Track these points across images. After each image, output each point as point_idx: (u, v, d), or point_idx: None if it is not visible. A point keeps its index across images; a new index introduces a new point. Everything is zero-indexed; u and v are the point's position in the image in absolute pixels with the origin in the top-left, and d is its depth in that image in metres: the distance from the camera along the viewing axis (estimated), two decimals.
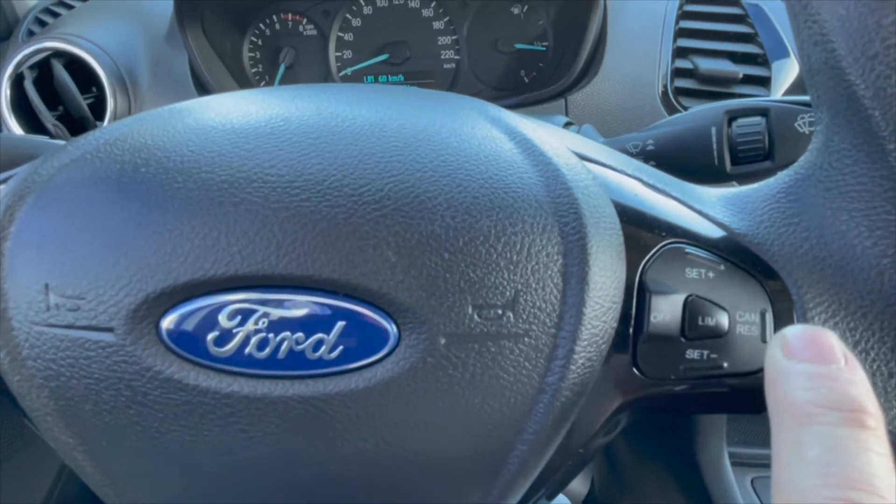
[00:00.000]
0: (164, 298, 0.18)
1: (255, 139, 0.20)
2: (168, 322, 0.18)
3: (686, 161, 0.33)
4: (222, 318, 0.18)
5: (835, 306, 0.20)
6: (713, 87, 0.51)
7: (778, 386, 0.16)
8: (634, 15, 0.54)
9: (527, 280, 0.18)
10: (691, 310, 0.20)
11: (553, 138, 0.22)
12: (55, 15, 0.62)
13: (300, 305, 0.18)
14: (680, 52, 0.52)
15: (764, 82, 0.51)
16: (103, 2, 0.61)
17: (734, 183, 0.38)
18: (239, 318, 0.18)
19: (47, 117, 0.54)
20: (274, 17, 0.60)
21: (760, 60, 0.51)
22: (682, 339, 0.20)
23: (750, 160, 0.32)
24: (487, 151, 0.20)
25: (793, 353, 0.16)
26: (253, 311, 0.18)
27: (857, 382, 0.15)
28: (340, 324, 0.18)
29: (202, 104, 0.23)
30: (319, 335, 0.18)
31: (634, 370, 0.20)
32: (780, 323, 0.20)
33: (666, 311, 0.20)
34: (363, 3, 0.59)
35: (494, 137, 0.21)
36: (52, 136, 0.55)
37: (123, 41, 0.57)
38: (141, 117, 0.22)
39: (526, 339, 0.18)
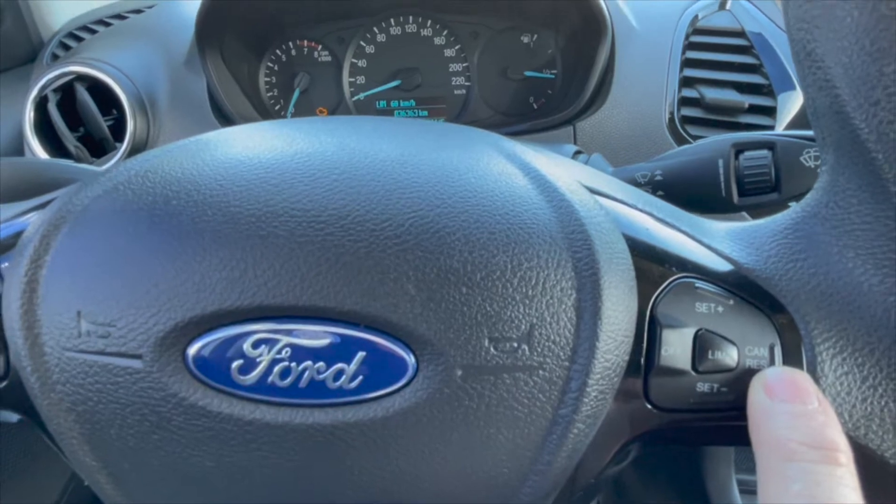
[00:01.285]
0: (191, 327, 0.19)
1: (280, 174, 0.20)
2: (194, 350, 0.19)
3: (693, 192, 0.34)
4: (247, 347, 0.19)
5: (842, 342, 0.20)
6: (719, 117, 0.52)
7: (763, 423, 0.18)
8: (642, 44, 0.55)
9: (541, 314, 0.19)
10: (701, 344, 0.20)
11: (565, 173, 0.23)
12: (78, 39, 0.64)
13: (322, 336, 0.19)
14: (686, 82, 0.53)
15: (769, 111, 0.52)
16: (125, 27, 0.63)
17: (744, 213, 0.39)
18: (263, 347, 0.19)
19: (69, 139, 0.56)
20: (290, 43, 0.62)
21: (765, 90, 0.52)
22: (693, 373, 0.20)
23: (757, 192, 0.32)
24: (503, 187, 0.21)
25: (774, 393, 0.19)
26: (276, 341, 0.19)
27: (831, 423, 0.18)
28: (361, 354, 0.18)
29: (229, 136, 0.24)
30: (340, 365, 0.19)
31: (646, 402, 0.20)
32: (788, 357, 0.20)
33: (677, 344, 0.20)
34: (377, 31, 0.61)
35: (510, 173, 0.22)
36: (73, 157, 0.57)
37: (144, 65, 0.59)
38: (170, 149, 0.23)
39: (540, 371, 0.19)
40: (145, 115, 0.57)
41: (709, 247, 0.22)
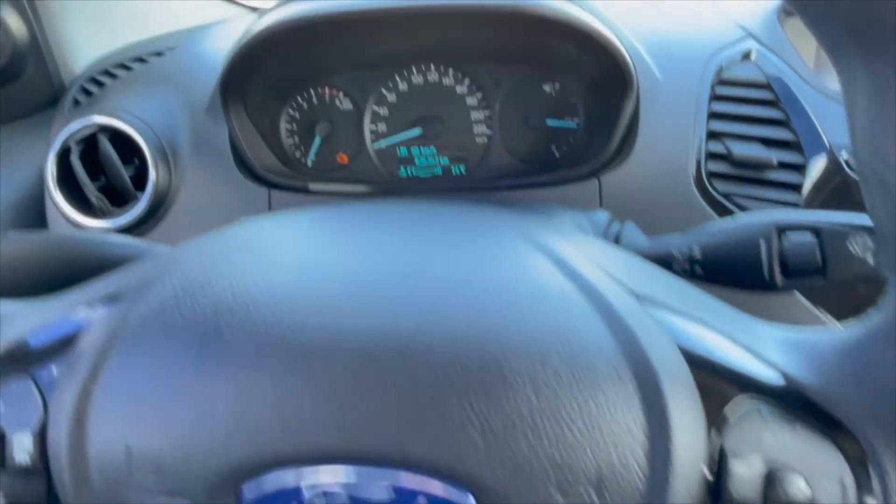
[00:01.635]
0: (245, 468, 0.18)
1: (335, 301, 0.20)
2: (249, 492, 0.18)
3: (735, 272, 0.33)
4: (304, 493, 0.18)
5: None
6: (747, 173, 0.51)
7: None
8: (666, 96, 0.55)
9: (609, 459, 0.18)
10: (770, 477, 0.19)
11: (618, 286, 0.22)
12: (99, 83, 0.64)
13: (383, 483, 0.18)
14: (712, 135, 0.53)
15: (797, 168, 0.51)
16: (146, 72, 0.63)
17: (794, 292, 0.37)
18: (321, 493, 0.18)
19: (91, 190, 0.56)
20: (311, 90, 0.62)
21: (793, 145, 0.52)
22: None
23: (802, 275, 0.32)
24: (562, 310, 0.20)
25: None
26: (336, 488, 0.18)
27: None
28: (423, 503, 0.18)
29: (276, 239, 0.23)
30: None
31: None
32: (860, 489, 0.20)
33: (744, 476, 0.19)
34: (399, 80, 0.61)
35: (566, 291, 0.21)
36: (94, 207, 0.57)
37: (165, 113, 0.59)
38: (215, 257, 0.22)
39: None
40: (167, 164, 0.57)
41: (769, 363, 0.22)
